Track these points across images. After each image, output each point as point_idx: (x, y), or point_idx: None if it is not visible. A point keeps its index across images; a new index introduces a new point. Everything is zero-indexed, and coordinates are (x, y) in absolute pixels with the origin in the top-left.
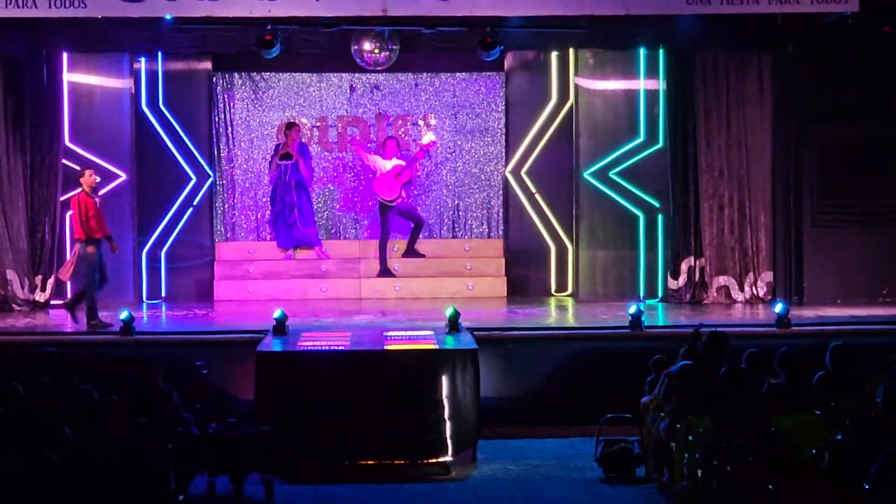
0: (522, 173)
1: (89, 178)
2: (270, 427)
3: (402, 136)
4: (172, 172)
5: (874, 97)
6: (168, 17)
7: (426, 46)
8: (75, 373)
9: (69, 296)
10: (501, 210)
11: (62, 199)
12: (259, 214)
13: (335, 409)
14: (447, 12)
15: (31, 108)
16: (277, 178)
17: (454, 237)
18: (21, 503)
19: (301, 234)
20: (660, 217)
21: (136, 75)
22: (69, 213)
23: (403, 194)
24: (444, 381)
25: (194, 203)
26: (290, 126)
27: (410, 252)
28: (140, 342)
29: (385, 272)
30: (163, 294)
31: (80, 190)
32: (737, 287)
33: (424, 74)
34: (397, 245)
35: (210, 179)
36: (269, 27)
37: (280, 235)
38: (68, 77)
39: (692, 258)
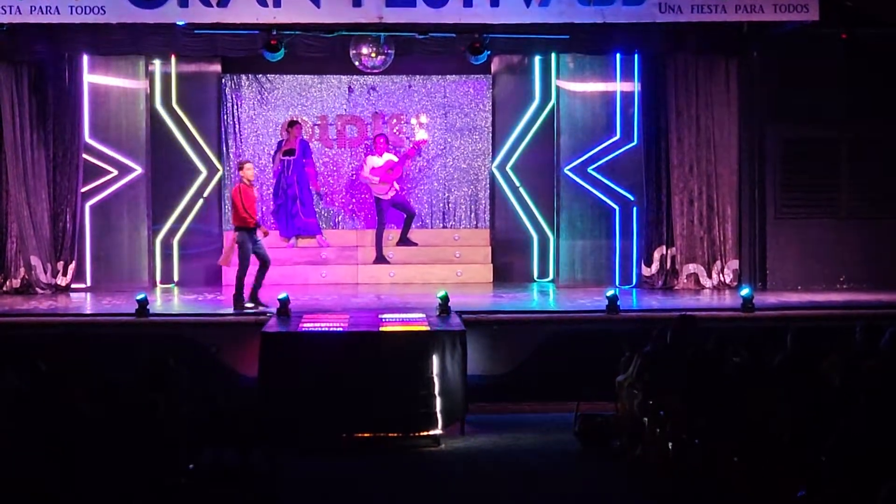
0: (508, 168)
1: (248, 170)
2: (274, 402)
3: (397, 133)
4: (184, 166)
5: (832, 99)
6: (180, 22)
7: (419, 51)
8: (94, 352)
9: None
10: (488, 202)
11: (83, 190)
12: (264, 206)
13: (334, 386)
14: (438, 19)
15: (53, 106)
16: (280, 173)
17: (444, 227)
18: (41, 477)
19: (303, 224)
20: (634, 209)
21: (150, 77)
22: (228, 203)
23: (397, 187)
24: (435, 360)
25: (204, 195)
26: (292, 124)
27: (403, 241)
28: (154, 323)
29: (380, 259)
30: (175, 279)
31: (239, 181)
32: (705, 274)
33: (417, 77)
34: (392, 234)
35: (219, 173)
36: (275, 33)
37: (282, 225)
38: (88, 78)
39: (664, 247)
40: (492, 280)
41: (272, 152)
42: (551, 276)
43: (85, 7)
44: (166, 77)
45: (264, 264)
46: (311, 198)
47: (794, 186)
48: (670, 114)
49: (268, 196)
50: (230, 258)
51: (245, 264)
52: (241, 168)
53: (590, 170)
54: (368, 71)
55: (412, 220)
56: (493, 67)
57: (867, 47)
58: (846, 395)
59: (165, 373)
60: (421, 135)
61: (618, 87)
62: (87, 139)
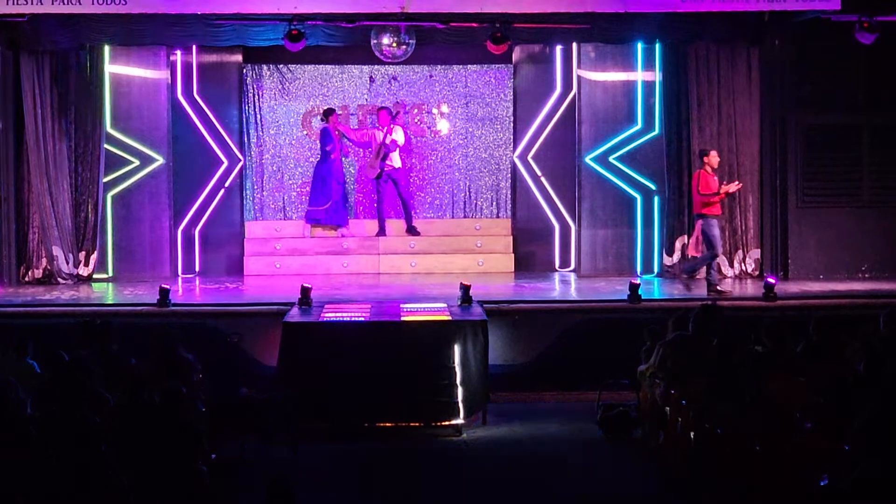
0: (529, 158)
1: (713, 158)
2: (295, 391)
3: (418, 123)
4: (205, 157)
5: (854, 86)
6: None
7: (440, 41)
8: (116, 341)
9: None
10: (509, 192)
11: (104, 180)
12: (286, 195)
13: (355, 375)
14: (460, 9)
15: (75, 96)
16: (333, 162)
17: (466, 217)
18: (66, 463)
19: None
20: (656, 198)
21: (172, 67)
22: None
23: (396, 166)
24: (457, 349)
25: (226, 185)
26: (330, 112)
27: (410, 231)
28: (176, 313)
29: (382, 232)
30: (196, 269)
31: (701, 168)
32: (727, 263)
33: (438, 66)
34: (397, 225)
35: (240, 163)
36: (295, 23)
37: (340, 214)
38: (110, 68)
39: (686, 237)
40: (513, 269)
41: (298, 139)
42: (573, 266)
43: None
44: (188, 67)
45: (713, 253)
46: None
47: (816, 175)
48: (692, 103)
49: (290, 185)
50: (698, 245)
51: (714, 250)
52: (705, 155)
53: (611, 159)
54: (390, 61)
55: (408, 206)
56: (515, 57)
57: (889, 34)
58: (869, 382)
59: (176, 363)
60: (443, 124)
61: (639, 76)
62: (109, 129)
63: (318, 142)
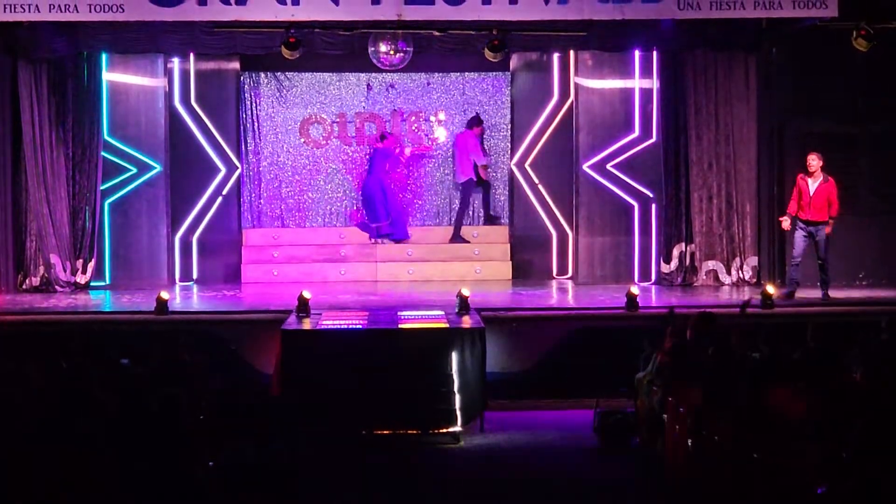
0: (526, 166)
1: (807, 160)
2: (293, 399)
3: (415, 130)
4: (203, 164)
5: (851, 94)
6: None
7: (438, 48)
8: (114, 348)
9: None
10: (507, 199)
11: (102, 188)
12: (283, 203)
13: (353, 383)
14: (457, 17)
15: (73, 104)
16: (384, 179)
17: (463, 224)
18: (62, 471)
19: None
20: (653, 206)
21: (169, 74)
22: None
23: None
24: (454, 357)
25: (223, 193)
26: (389, 135)
27: (460, 238)
28: (173, 321)
29: (459, 239)
30: (194, 276)
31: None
32: (724, 271)
33: (436, 74)
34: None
35: (238, 171)
36: (293, 30)
37: (405, 227)
38: (107, 76)
39: (683, 244)
40: (511, 277)
41: (376, 161)
42: (570, 273)
43: (104, 5)
44: (185, 75)
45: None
46: None
47: None
48: (689, 110)
49: (287, 193)
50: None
51: (792, 250)
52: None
53: (608, 167)
54: (387, 68)
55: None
56: (512, 64)
57: (887, 42)
58: (868, 389)
59: (180, 369)
60: (440, 132)
61: (636, 83)
62: (106, 137)
63: (315, 150)
